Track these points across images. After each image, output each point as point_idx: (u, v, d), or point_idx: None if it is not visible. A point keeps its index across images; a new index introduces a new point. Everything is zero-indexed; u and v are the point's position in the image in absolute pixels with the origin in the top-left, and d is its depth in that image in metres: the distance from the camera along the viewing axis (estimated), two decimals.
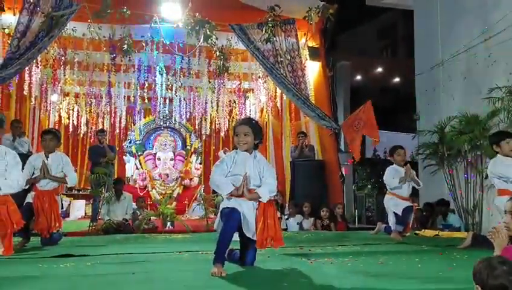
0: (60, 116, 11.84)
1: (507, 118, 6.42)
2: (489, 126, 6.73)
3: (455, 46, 7.87)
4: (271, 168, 3.54)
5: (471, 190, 7.20)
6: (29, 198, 4.98)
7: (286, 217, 8.29)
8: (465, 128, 7.03)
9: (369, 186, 15.65)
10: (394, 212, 5.88)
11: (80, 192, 11.37)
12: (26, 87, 9.32)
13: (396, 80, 17.32)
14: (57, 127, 11.29)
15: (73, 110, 11.94)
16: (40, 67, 9.43)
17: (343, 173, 9.75)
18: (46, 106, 11.15)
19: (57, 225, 5.01)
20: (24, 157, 5.28)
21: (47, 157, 5.08)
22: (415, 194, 8.59)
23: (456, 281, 2.79)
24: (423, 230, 6.78)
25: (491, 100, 6.60)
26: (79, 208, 10.76)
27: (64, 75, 10.04)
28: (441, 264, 3.57)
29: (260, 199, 3.29)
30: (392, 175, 5.92)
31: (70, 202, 10.79)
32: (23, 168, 4.57)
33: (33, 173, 4.98)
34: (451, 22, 8.09)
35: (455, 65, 7.91)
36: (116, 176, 9.55)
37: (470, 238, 4.67)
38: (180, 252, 4.45)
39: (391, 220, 5.93)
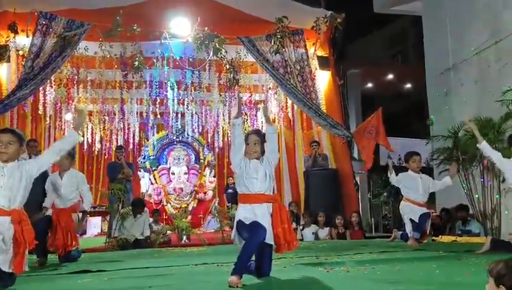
0: None
1: None
2: (504, 129, 6.64)
3: (465, 50, 7.84)
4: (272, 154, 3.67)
5: (488, 194, 7.08)
6: (50, 212, 5.04)
7: (301, 227, 8.26)
8: (479, 132, 6.93)
9: (385, 194, 15.52)
10: (410, 219, 5.82)
11: (96, 209, 11.47)
12: (41, 106, 9.48)
13: (408, 86, 17.20)
14: None
15: (87, 128, 12.07)
16: (54, 86, 9.59)
17: (358, 181, 9.71)
18: (61, 125, 11.32)
19: (74, 243, 5.03)
20: (40, 175, 5.34)
21: (61, 176, 5.12)
22: (431, 200, 8.53)
23: (475, 286, 2.74)
24: (440, 236, 6.69)
25: (504, 103, 6.53)
26: (95, 225, 10.84)
27: (78, 94, 10.20)
28: (459, 270, 3.52)
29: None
30: (406, 182, 5.90)
31: (86, 219, 10.86)
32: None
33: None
34: (460, 26, 8.07)
35: (466, 69, 7.87)
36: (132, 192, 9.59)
37: (489, 243, 4.60)
38: (196, 265, 4.45)
39: (408, 227, 5.86)
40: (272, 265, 3.47)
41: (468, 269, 3.43)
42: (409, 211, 5.85)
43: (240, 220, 3.38)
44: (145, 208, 7.92)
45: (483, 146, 5.00)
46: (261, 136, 3.64)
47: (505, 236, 5.99)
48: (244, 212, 3.38)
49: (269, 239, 3.29)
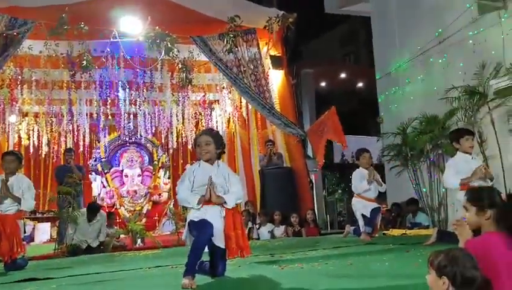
0: (19, 137, 11.46)
1: (464, 116, 6.64)
2: (448, 125, 6.94)
3: (412, 49, 8.13)
4: (235, 176, 3.59)
5: (435, 188, 7.38)
6: None
7: (257, 226, 8.27)
8: (426, 128, 7.22)
9: (340, 191, 15.87)
10: (362, 214, 5.96)
11: (45, 215, 11.01)
12: None
13: (360, 85, 17.67)
14: (17, 149, 10.93)
15: (33, 130, 11.57)
16: None
17: (312, 179, 9.85)
18: (5, 128, 10.79)
19: (19, 250, 4.82)
20: None
21: (7, 179, 4.90)
22: (381, 196, 8.79)
23: (422, 276, 2.82)
24: (391, 230, 6.90)
25: (448, 100, 6.81)
26: (44, 231, 10.39)
27: (22, 95, 9.76)
28: (408, 261, 3.63)
29: (225, 205, 3.28)
30: (359, 179, 6.02)
31: (34, 225, 10.42)
32: None
33: None
34: (408, 26, 8.35)
35: (413, 68, 8.16)
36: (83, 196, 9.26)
37: (435, 234, 4.78)
38: (149, 268, 4.36)
39: (360, 222, 6.01)
40: (227, 264, 3.45)
41: (416, 260, 3.54)
42: (361, 207, 5.99)
43: (191, 220, 3.33)
44: (102, 213, 7.66)
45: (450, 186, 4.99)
46: (214, 136, 3.49)
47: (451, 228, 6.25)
48: (195, 213, 3.32)
49: (220, 242, 3.23)
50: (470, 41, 6.80)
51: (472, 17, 6.74)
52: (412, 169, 7.69)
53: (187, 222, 3.41)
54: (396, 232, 6.61)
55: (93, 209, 7.54)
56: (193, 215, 3.33)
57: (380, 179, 6.10)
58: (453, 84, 6.76)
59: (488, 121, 6.38)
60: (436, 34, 7.48)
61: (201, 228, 3.19)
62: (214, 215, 3.27)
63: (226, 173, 3.45)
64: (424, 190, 7.53)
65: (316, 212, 9.38)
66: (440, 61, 7.48)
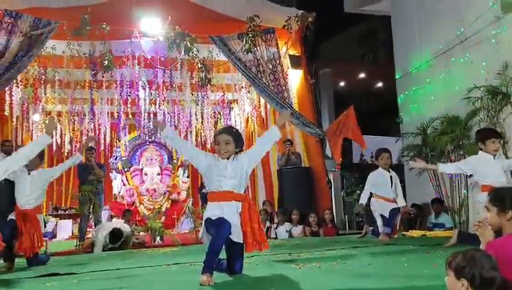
0: None
1: (487, 116, 6.53)
2: (470, 126, 6.83)
3: (433, 48, 8.02)
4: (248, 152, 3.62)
5: (456, 189, 7.27)
6: (12, 215, 4.89)
7: (275, 225, 8.28)
8: (447, 128, 7.12)
9: (358, 191, 15.74)
10: (381, 214, 5.92)
11: (67, 211, 11.23)
12: (7, 107, 9.23)
13: (379, 84, 17.49)
14: None
15: (56, 129, 11.80)
16: (20, 87, 9.33)
17: (331, 179, 9.80)
18: (28, 126, 11.04)
19: (40, 245, 4.92)
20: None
21: (29, 174, 5.00)
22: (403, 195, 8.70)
23: (441, 277, 2.79)
24: (410, 231, 6.83)
25: (470, 100, 6.70)
26: (66, 228, 10.62)
27: (45, 94, 9.96)
28: (427, 262, 3.60)
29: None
30: (372, 182, 6.01)
31: (56, 222, 10.64)
32: None
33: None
34: (428, 25, 8.24)
35: (433, 67, 8.04)
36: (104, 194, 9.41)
37: (456, 236, 4.72)
38: (168, 265, 4.41)
39: (379, 222, 5.96)
40: (244, 263, 3.47)
41: (436, 261, 3.50)
42: (379, 207, 5.95)
43: (208, 217, 3.35)
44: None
45: (443, 168, 5.21)
46: (234, 134, 3.48)
47: (472, 229, 6.15)
48: (212, 210, 3.35)
49: (237, 237, 3.25)
50: (493, 40, 6.67)
51: (495, 15, 6.61)
52: (432, 170, 7.59)
53: (204, 219, 3.44)
54: (415, 233, 6.54)
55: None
56: (210, 213, 3.35)
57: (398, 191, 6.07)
58: (475, 83, 6.64)
59: (510, 121, 6.26)
60: (458, 33, 7.36)
61: (219, 227, 3.21)
62: (231, 212, 3.29)
63: (243, 158, 3.48)
64: (445, 191, 7.43)
65: (334, 213, 9.34)
66: (462, 60, 7.36)
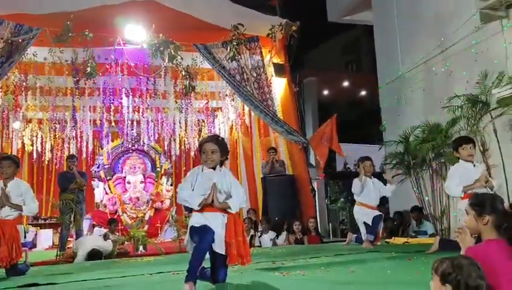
0: (23, 144, 11.52)
1: (467, 125, 6.64)
2: (451, 134, 6.93)
3: (414, 58, 8.15)
4: (237, 182, 3.57)
5: (437, 196, 7.36)
6: None
7: (259, 233, 8.26)
8: (428, 136, 7.21)
9: (342, 199, 15.81)
10: (364, 222, 5.95)
11: (47, 221, 11.02)
12: None
13: (363, 93, 17.70)
14: (20, 155, 10.97)
15: (36, 136, 11.63)
16: (0, 94, 9.17)
17: (315, 187, 9.83)
18: (8, 134, 10.85)
19: (18, 255, 4.79)
20: None
21: (5, 185, 4.85)
22: (383, 203, 8.76)
23: (423, 284, 2.81)
24: (393, 238, 6.88)
25: (450, 109, 6.81)
26: (46, 238, 10.40)
27: (26, 101, 9.81)
28: (410, 269, 3.62)
29: (229, 210, 3.31)
30: (358, 184, 6.03)
31: (37, 231, 10.43)
32: None
33: None
34: (410, 35, 8.39)
35: (415, 77, 8.17)
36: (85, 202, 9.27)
37: (437, 243, 4.77)
38: (151, 274, 4.36)
39: (362, 229, 6.00)
40: (228, 271, 3.44)
41: (418, 268, 3.54)
42: (363, 215, 5.98)
43: (192, 225, 3.33)
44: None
45: (454, 193, 4.98)
46: (220, 144, 3.47)
47: (454, 236, 6.23)
48: (197, 219, 3.32)
49: (219, 248, 3.23)
50: (473, 50, 6.81)
51: (475, 26, 6.76)
52: (414, 177, 7.67)
53: (188, 227, 3.42)
54: (398, 240, 6.59)
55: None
56: (194, 221, 3.33)
57: (388, 190, 6.12)
58: (455, 92, 6.76)
59: (490, 129, 6.37)
60: (439, 43, 7.50)
61: (202, 234, 3.20)
62: (216, 222, 3.27)
63: (229, 179, 3.45)
64: (427, 198, 7.51)
65: (318, 221, 9.36)
66: (442, 70, 7.50)
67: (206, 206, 3.33)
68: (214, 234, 3.19)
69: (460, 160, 4.82)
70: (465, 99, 6.56)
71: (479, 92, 6.41)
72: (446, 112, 6.88)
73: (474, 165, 4.76)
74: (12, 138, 11.02)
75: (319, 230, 8.92)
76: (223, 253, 3.25)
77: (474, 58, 6.76)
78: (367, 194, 5.95)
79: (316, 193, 10.35)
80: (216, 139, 3.55)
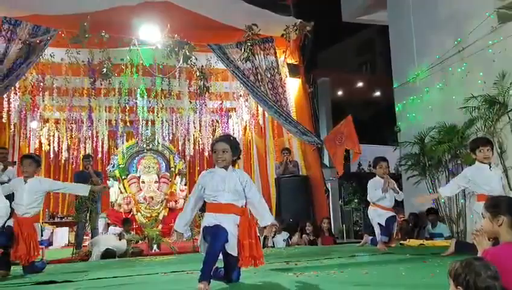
0: (40, 143, 11.69)
1: (484, 126, 6.55)
2: (467, 135, 6.85)
3: (430, 58, 8.06)
4: (253, 183, 3.57)
5: (454, 198, 7.27)
6: (10, 222, 4.84)
7: (273, 234, 8.25)
8: (444, 138, 7.14)
9: (356, 200, 15.74)
10: (379, 223, 5.90)
11: (63, 219, 11.18)
12: (4, 114, 9.22)
13: (377, 94, 17.60)
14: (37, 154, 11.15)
15: (53, 136, 11.80)
16: (18, 94, 9.33)
17: (329, 188, 9.80)
18: (26, 133, 11.02)
19: (35, 253, 4.87)
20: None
21: (26, 182, 4.92)
22: (399, 205, 8.68)
23: (439, 287, 2.79)
24: (408, 240, 6.81)
25: (467, 109, 6.73)
26: (62, 236, 10.55)
27: (44, 101, 9.96)
28: (425, 272, 3.58)
29: (263, 223, 3.46)
30: (374, 187, 5.96)
31: (53, 230, 10.58)
32: None
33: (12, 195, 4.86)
34: (425, 34, 8.30)
35: (431, 77, 8.08)
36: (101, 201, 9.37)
37: (453, 245, 4.71)
38: (165, 273, 4.38)
39: (376, 231, 5.95)
40: (242, 271, 3.45)
41: (433, 271, 3.50)
42: (377, 216, 5.93)
43: (205, 226, 3.34)
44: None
45: (443, 192, 5.21)
46: (232, 143, 3.47)
47: (470, 238, 6.15)
48: (210, 219, 3.33)
49: (232, 249, 3.23)
50: (490, 50, 6.73)
51: (492, 26, 6.66)
52: (430, 179, 7.61)
53: (201, 228, 3.43)
54: (413, 242, 6.52)
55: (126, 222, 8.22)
56: (207, 222, 3.34)
57: (397, 187, 6.01)
58: (472, 93, 6.68)
59: (508, 131, 6.28)
60: (456, 43, 7.42)
61: (216, 234, 3.20)
62: (228, 223, 3.27)
63: (245, 179, 3.45)
64: (443, 200, 7.44)
65: (332, 222, 9.33)
66: (459, 70, 7.41)
67: (217, 207, 3.34)
68: (227, 233, 3.20)
69: (476, 161, 4.77)
70: (482, 100, 6.48)
71: (497, 92, 6.32)
72: (463, 113, 6.81)
73: (490, 168, 4.69)
74: (29, 137, 11.20)
75: (333, 231, 8.89)
76: (235, 254, 3.25)
77: (491, 58, 6.67)
78: (382, 196, 5.89)
79: (330, 193, 10.32)
80: (228, 138, 3.56)
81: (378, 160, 6.12)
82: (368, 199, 6.08)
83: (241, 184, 3.41)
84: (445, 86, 7.76)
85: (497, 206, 2.29)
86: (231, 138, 3.62)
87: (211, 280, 3.14)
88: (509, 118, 6.27)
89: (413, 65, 8.57)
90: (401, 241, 6.70)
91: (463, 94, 6.92)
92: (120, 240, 7.51)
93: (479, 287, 1.79)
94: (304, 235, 7.96)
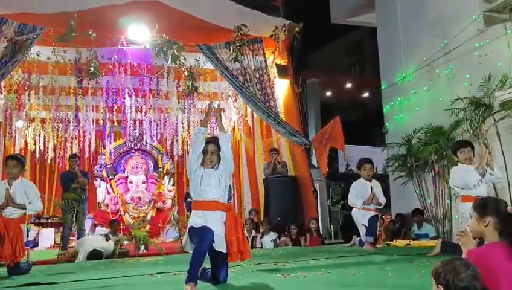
0: (26, 143, 11.53)
1: (470, 127, 6.62)
2: (453, 136, 6.91)
3: (418, 60, 8.13)
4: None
5: (440, 199, 7.34)
6: None
7: (261, 234, 8.25)
8: (431, 139, 7.20)
9: (343, 201, 15.78)
10: (363, 224, 5.93)
11: (49, 220, 11.04)
12: None
13: (365, 95, 17.67)
14: (23, 154, 10.99)
15: (39, 135, 11.64)
16: (3, 92, 9.19)
17: (317, 188, 9.82)
18: (11, 133, 10.86)
19: (21, 254, 4.81)
20: None
21: (10, 184, 4.86)
22: (386, 205, 8.71)
23: (424, 287, 2.81)
24: (395, 240, 6.86)
25: (453, 111, 6.80)
26: (48, 237, 10.42)
27: (29, 100, 9.83)
28: (411, 272, 3.61)
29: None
30: (355, 192, 5.99)
31: (38, 230, 10.44)
32: None
33: None
34: (413, 36, 8.37)
35: (418, 79, 8.15)
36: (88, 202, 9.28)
37: (439, 246, 4.75)
38: (152, 274, 4.36)
39: (361, 231, 5.98)
40: (229, 272, 3.45)
41: (419, 271, 3.52)
42: (361, 217, 5.96)
43: (191, 226, 3.35)
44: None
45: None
46: (218, 145, 3.62)
47: (455, 239, 6.21)
48: (196, 219, 3.36)
49: (221, 247, 3.28)
50: (476, 52, 6.80)
51: (478, 28, 6.74)
52: (416, 180, 7.66)
53: (187, 228, 3.44)
54: (400, 243, 6.57)
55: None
56: (194, 222, 3.35)
57: (381, 200, 6.02)
58: (458, 95, 6.74)
59: (493, 132, 6.36)
60: (443, 45, 7.49)
61: (202, 235, 3.22)
62: (215, 221, 3.30)
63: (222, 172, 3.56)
64: (429, 201, 7.50)
65: (320, 222, 9.35)
66: (446, 72, 7.48)
67: (203, 204, 3.39)
68: (213, 235, 3.21)
69: (459, 163, 4.83)
70: (468, 102, 6.55)
71: (482, 94, 6.39)
72: (449, 115, 6.87)
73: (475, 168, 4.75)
74: (15, 136, 11.04)
75: (320, 231, 8.91)
76: (224, 251, 3.29)
77: (477, 60, 6.75)
78: (364, 197, 5.91)
79: (318, 194, 10.34)
80: (217, 140, 3.66)
81: (362, 162, 6.14)
82: (348, 201, 6.09)
83: (224, 175, 3.53)
84: (432, 87, 7.83)
85: (485, 206, 2.31)
86: (218, 140, 3.70)
87: (198, 281, 3.13)
88: (494, 119, 6.35)
89: (401, 67, 8.63)
90: (388, 242, 6.74)
91: (449, 96, 6.98)
92: (107, 241, 7.45)
93: (458, 287, 1.81)
94: (286, 238, 7.98)
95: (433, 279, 1.90)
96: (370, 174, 6.04)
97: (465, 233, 2.52)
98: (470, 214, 2.57)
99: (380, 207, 6.07)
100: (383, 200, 6.04)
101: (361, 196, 5.95)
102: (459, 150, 4.78)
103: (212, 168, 3.54)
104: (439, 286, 1.84)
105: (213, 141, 3.65)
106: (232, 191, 11.02)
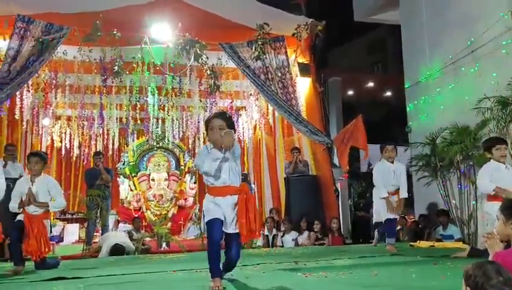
0: (52, 140, 11.78)
1: (496, 127, 6.47)
2: (480, 136, 6.76)
3: (443, 58, 7.99)
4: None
5: (465, 200, 7.20)
6: (21, 217, 4.83)
7: (282, 233, 8.25)
8: (456, 139, 7.05)
9: (361, 201, 15.63)
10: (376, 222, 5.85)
11: (74, 216, 11.27)
12: (17, 111, 9.28)
13: (388, 94, 17.45)
14: (49, 151, 11.26)
15: (65, 133, 11.89)
16: (31, 91, 9.39)
17: (338, 187, 9.76)
18: (38, 130, 11.10)
19: (46, 249, 4.89)
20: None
21: (33, 181, 4.88)
22: (410, 205, 8.60)
23: (450, 289, 2.77)
24: (418, 242, 6.76)
25: (480, 110, 6.65)
26: (73, 232, 10.65)
27: (56, 99, 10.03)
28: (435, 274, 3.55)
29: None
30: (380, 176, 5.80)
31: (63, 226, 10.68)
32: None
33: (21, 198, 4.83)
34: (438, 34, 8.22)
35: (443, 77, 8.01)
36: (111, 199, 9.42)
37: (468, 251, 4.66)
38: (174, 271, 4.40)
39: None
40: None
41: (444, 273, 3.46)
42: (377, 214, 5.87)
43: (204, 210, 3.44)
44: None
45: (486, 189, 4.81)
46: (227, 120, 3.38)
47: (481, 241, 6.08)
48: (208, 204, 3.35)
49: (232, 229, 3.29)
50: (503, 50, 6.64)
51: (505, 26, 6.58)
52: (441, 180, 7.53)
53: (203, 209, 3.52)
54: (423, 244, 6.47)
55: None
56: (205, 207, 3.38)
57: (402, 182, 5.82)
58: (485, 94, 6.60)
59: None
60: (469, 43, 7.34)
61: (210, 233, 3.27)
62: (226, 206, 3.28)
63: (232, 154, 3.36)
64: (454, 202, 7.36)
65: (341, 222, 9.28)
66: (472, 70, 7.33)
67: (216, 190, 3.32)
68: (222, 224, 3.24)
69: (491, 160, 4.71)
70: (495, 101, 6.39)
71: (510, 94, 6.24)
72: (475, 114, 6.72)
73: (506, 167, 4.63)
74: (42, 134, 11.29)
75: (342, 231, 8.85)
76: (236, 231, 3.29)
77: (504, 59, 6.59)
78: (386, 179, 5.73)
79: (340, 193, 10.27)
80: (223, 115, 3.48)
81: (384, 145, 5.99)
82: (374, 182, 5.92)
83: (234, 156, 3.33)
84: (457, 86, 7.68)
85: (511, 208, 2.26)
86: (227, 114, 3.52)
87: (223, 277, 3.16)
88: None
89: (425, 65, 8.49)
90: (411, 243, 6.65)
91: (475, 95, 6.84)
92: (130, 238, 7.57)
93: None
94: (311, 233, 7.95)
95: (463, 280, 1.87)
96: (392, 156, 5.83)
97: (491, 235, 2.46)
98: (497, 216, 2.52)
99: (402, 195, 5.85)
100: (404, 183, 5.77)
101: (386, 180, 5.71)
102: (495, 147, 4.64)
103: (220, 150, 3.31)
104: (468, 287, 1.81)
105: (218, 116, 3.43)
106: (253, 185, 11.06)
